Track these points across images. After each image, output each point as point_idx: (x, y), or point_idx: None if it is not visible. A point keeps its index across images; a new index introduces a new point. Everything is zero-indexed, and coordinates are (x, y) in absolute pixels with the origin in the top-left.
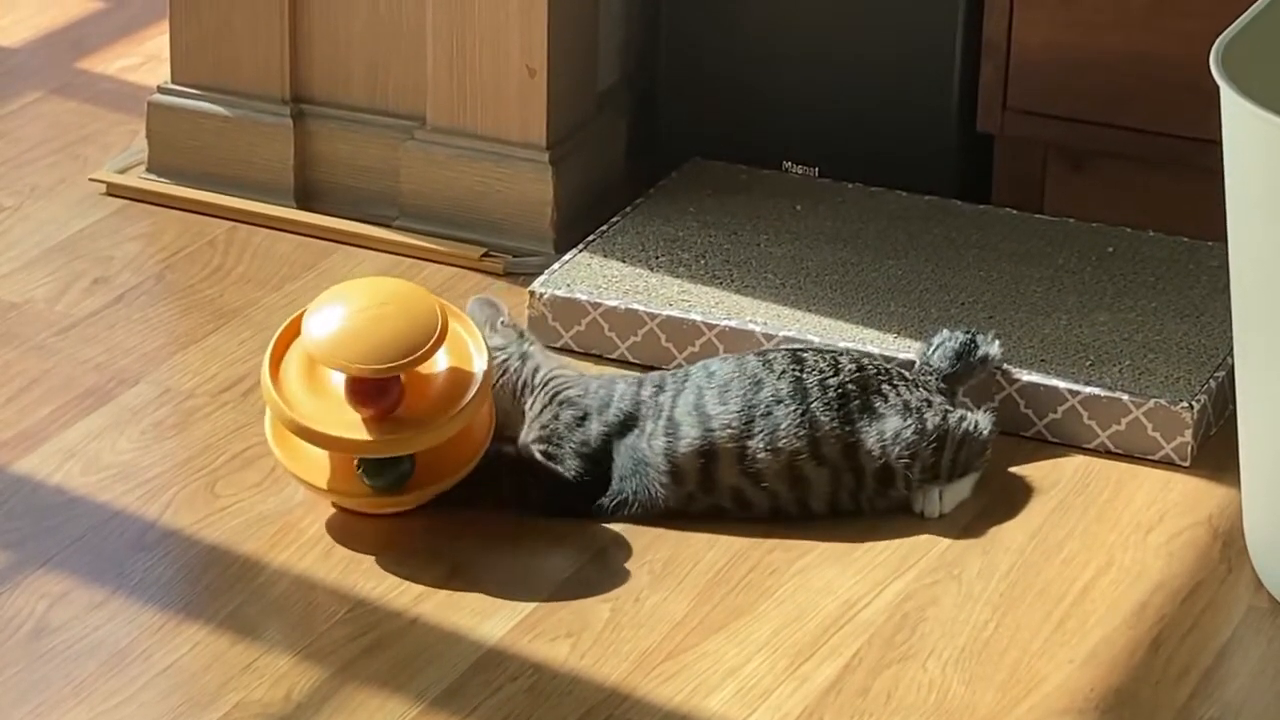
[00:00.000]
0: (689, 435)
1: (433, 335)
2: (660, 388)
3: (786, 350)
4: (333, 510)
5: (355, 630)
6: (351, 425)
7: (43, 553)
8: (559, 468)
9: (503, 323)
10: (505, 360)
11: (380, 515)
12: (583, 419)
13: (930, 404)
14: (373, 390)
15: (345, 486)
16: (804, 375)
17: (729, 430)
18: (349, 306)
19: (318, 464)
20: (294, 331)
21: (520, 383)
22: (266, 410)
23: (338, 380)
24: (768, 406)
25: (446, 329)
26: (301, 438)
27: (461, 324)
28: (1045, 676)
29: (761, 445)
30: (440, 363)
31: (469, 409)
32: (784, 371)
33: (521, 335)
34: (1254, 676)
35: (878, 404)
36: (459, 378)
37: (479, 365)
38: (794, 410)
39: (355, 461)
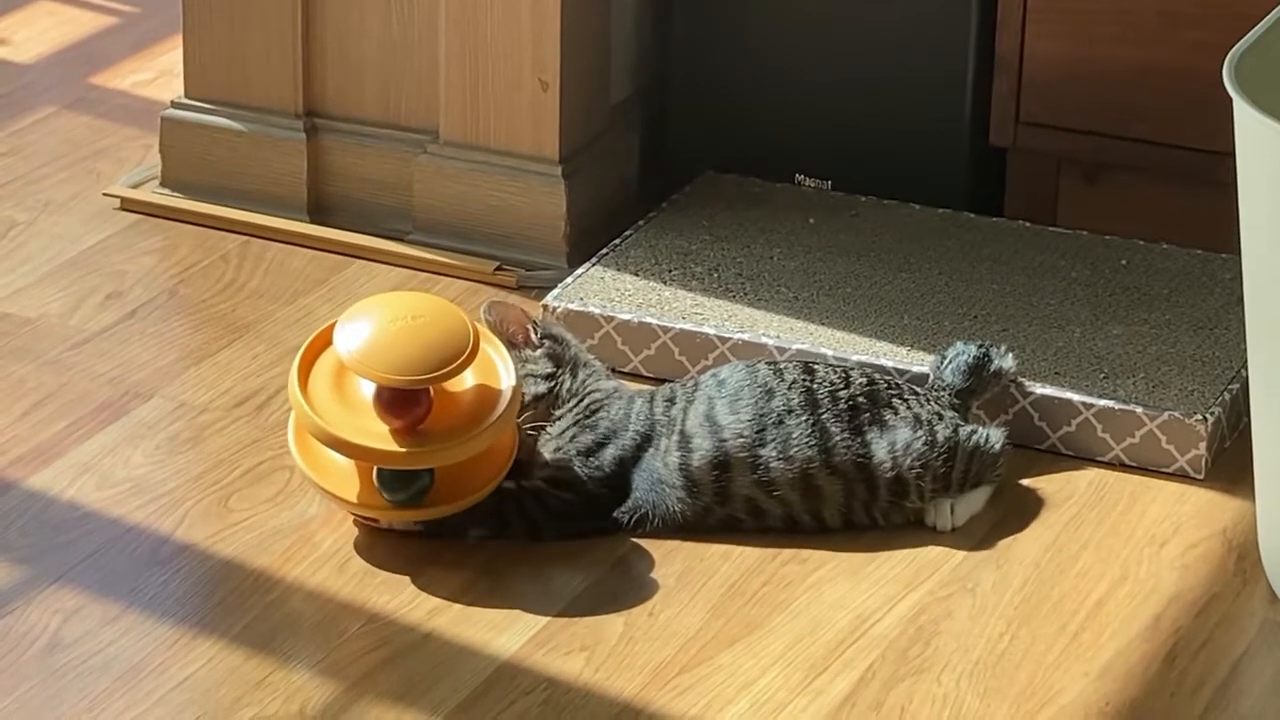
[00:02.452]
0: (702, 447)
1: (466, 348)
2: (671, 401)
3: (797, 361)
4: (347, 524)
5: (370, 644)
6: (380, 436)
7: (56, 568)
8: (569, 494)
9: (542, 335)
10: (555, 387)
11: (401, 531)
12: (599, 445)
13: (941, 417)
14: (403, 401)
15: (371, 499)
16: (814, 386)
17: (741, 439)
18: (382, 318)
19: (342, 476)
20: (322, 342)
21: (560, 395)
22: (290, 421)
23: (367, 391)
24: (779, 416)
25: (479, 343)
26: (330, 446)
27: (490, 344)
28: (1060, 690)
29: (774, 454)
30: (468, 380)
31: (496, 426)
32: (794, 382)
33: (560, 341)
34: (1269, 690)
35: (888, 416)
36: (486, 395)
37: (506, 384)
38: (805, 420)
39: (374, 475)
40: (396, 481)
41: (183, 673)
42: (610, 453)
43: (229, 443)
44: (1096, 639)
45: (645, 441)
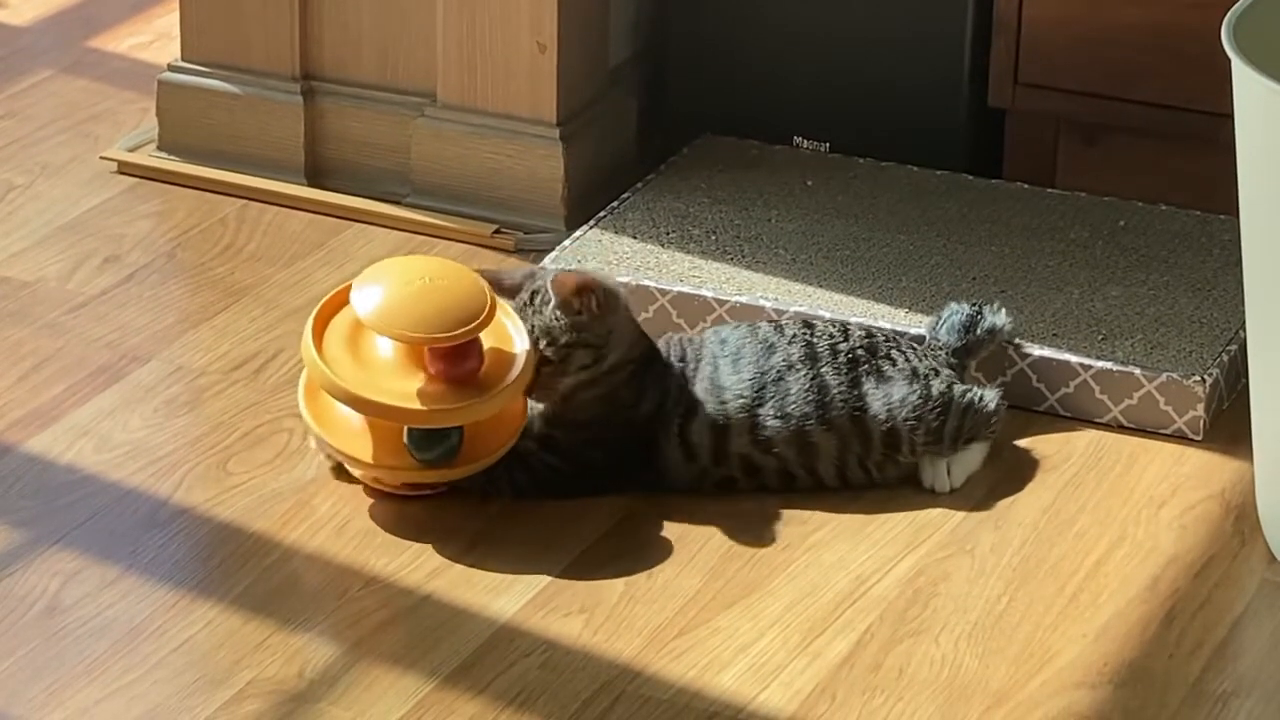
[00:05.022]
0: (702, 413)
1: (488, 299)
2: (682, 360)
3: (797, 317)
4: (346, 487)
5: (368, 607)
6: (403, 395)
7: (55, 531)
8: (556, 460)
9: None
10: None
11: (410, 495)
12: (614, 412)
13: (937, 372)
14: (455, 354)
15: (388, 460)
16: (815, 340)
17: (741, 400)
18: (397, 282)
19: (351, 436)
20: (332, 306)
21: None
22: (300, 384)
23: (384, 351)
24: (779, 372)
25: (495, 296)
26: (353, 407)
27: (499, 305)
28: (1058, 651)
29: (771, 412)
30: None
31: (518, 383)
32: (795, 336)
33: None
34: (1267, 649)
35: (886, 368)
36: (501, 354)
37: (520, 344)
38: (804, 375)
39: (404, 434)
40: (426, 440)
41: (182, 635)
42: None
43: (227, 406)
44: (1095, 600)
45: (651, 416)
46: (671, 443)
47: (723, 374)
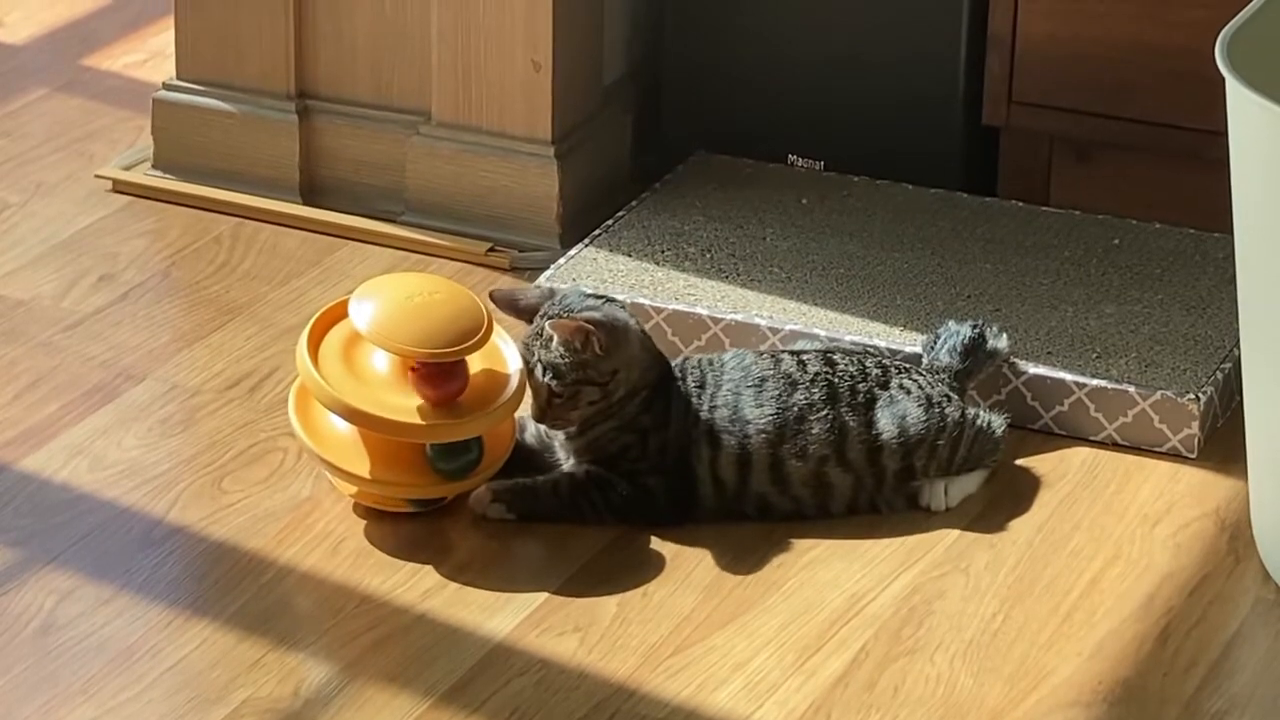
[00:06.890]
0: (729, 444)
1: (485, 318)
2: (701, 386)
3: (818, 352)
4: (341, 506)
5: (363, 625)
6: (408, 410)
7: (50, 550)
8: (614, 488)
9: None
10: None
11: (398, 512)
12: (643, 437)
13: (950, 399)
14: (442, 374)
15: (387, 475)
16: (836, 380)
17: (764, 435)
18: (397, 297)
19: (345, 452)
20: (327, 321)
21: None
22: (290, 399)
23: (379, 366)
24: (801, 411)
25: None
26: (357, 423)
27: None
28: (1053, 669)
29: (791, 452)
30: (475, 361)
31: (518, 396)
32: (817, 376)
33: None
34: (1262, 668)
35: (900, 398)
36: (496, 375)
37: (513, 363)
38: (825, 415)
39: (427, 446)
40: (449, 453)
41: (176, 654)
42: (653, 441)
43: (222, 425)
44: (1089, 618)
45: (681, 438)
46: (705, 473)
47: (745, 404)
